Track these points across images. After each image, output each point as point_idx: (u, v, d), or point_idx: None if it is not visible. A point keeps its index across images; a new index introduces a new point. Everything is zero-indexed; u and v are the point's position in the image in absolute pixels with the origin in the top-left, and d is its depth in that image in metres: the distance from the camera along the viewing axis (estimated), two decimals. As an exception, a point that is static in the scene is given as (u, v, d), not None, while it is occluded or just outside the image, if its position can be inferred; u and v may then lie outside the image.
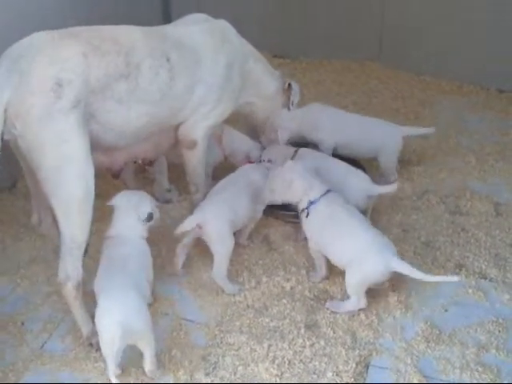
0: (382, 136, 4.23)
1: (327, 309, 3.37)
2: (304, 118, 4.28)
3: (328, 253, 3.45)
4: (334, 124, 4.26)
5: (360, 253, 3.27)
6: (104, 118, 3.11)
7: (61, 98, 2.87)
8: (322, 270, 3.53)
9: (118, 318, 2.81)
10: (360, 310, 3.34)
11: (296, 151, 4.03)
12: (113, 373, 2.88)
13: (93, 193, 3.05)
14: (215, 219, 3.48)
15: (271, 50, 5.63)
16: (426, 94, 5.37)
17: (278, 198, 3.58)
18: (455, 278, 3.29)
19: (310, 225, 3.49)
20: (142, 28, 3.37)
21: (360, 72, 5.65)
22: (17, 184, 4.11)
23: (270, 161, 4.03)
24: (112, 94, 3.09)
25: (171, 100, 3.38)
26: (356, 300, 3.32)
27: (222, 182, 3.76)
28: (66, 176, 2.94)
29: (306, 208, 3.48)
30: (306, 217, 3.48)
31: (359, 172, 3.84)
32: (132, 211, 3.36)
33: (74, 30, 3.11)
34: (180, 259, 3.58)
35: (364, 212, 3.68)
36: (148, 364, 2.95)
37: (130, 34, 3.25)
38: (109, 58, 3.06)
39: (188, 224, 3.48)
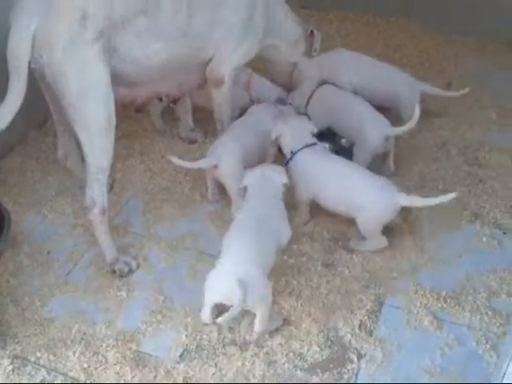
0: (401, 87, 4.18)
1: (350, 247, 3.45)
2: (326, 61, 4.27)
3: (323, 199, 3.48)
4: (354, 67, 4.25)
5: (366, 198, 3.32)
6: (125, 51, 3.19)
7: (86, 28, 2.95)
8: (307, 215, 3.59)
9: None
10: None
11: (315, 89, 4.06)
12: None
13: (114, 119, 3.15)
14: (228, 159, 3.55)
15: (299, 0, 5.67)
16: (451, 50, 5.30)
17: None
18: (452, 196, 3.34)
19: (300, 173, 3.51)
20: None
21: (386, 26, 5.61)
22: (47, 122, 4.19)
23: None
24: (132, 29, 3.16)
25: (190, 38, 3.43)
26: (375, 241, 3.41)
27: (235, 122, 3.85)
28: (89, 101, 3.04)
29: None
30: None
31: (379, 114, 3.83)
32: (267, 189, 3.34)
33: None
34: (211, 190, 3.71)
35: (385, 157, 3.76)
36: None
37: None
38: None
39: (203, 164, 3.60)
